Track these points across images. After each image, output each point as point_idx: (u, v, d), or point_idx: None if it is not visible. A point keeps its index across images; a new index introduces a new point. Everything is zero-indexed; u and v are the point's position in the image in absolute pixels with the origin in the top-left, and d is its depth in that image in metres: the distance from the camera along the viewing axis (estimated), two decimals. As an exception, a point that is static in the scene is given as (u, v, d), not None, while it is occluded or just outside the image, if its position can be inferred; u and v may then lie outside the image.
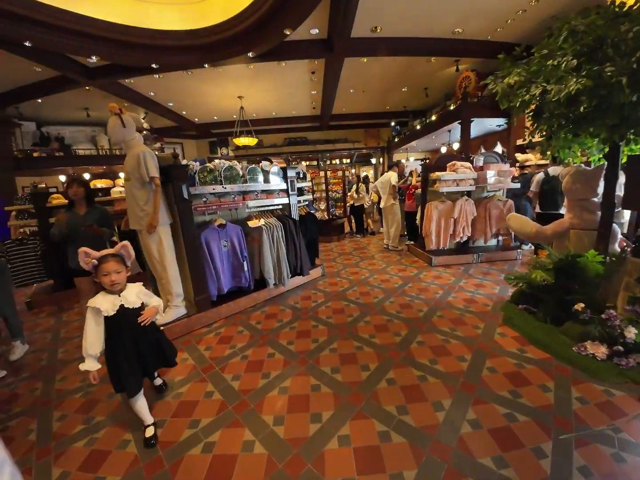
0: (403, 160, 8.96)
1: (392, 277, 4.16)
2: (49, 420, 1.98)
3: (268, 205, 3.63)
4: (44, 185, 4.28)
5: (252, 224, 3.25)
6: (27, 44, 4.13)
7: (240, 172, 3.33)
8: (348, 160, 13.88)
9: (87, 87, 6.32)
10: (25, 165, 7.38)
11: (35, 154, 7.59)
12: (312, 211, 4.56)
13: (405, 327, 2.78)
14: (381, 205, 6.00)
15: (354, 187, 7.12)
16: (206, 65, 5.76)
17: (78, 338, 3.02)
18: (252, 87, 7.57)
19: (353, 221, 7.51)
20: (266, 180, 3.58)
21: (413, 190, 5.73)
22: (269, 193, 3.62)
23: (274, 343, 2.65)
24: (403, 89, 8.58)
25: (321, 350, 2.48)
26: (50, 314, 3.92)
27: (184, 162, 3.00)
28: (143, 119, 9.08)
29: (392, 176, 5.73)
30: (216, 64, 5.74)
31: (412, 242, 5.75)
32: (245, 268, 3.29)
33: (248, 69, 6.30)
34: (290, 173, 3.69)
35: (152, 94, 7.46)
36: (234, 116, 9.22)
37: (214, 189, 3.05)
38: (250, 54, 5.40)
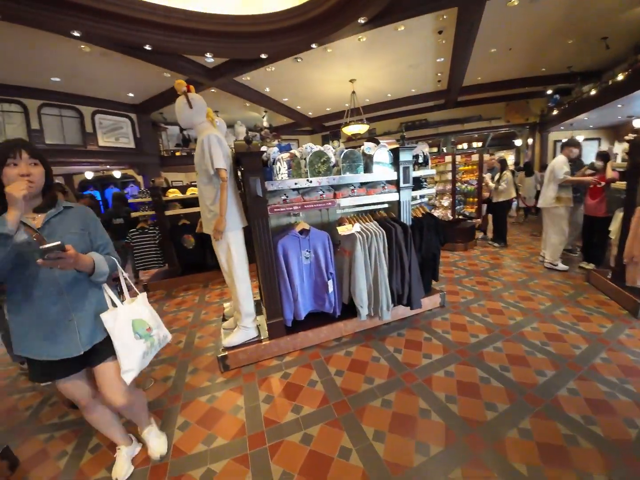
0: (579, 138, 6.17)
1: (564, 331, 2.46)
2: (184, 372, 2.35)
3: (367, 204, 2.60)
4: (162, 181, 4.58)
5: (343, 230, 2.32)
6: (147, 47, 4.42)
7: (332, 159, 2.43)
8: (479, 144, 11.12)
9: (213, 90, 6.79)
10: (169, 162, 8.82)
11: (177, 154, 8.98)
12: (431, 211, 3.22)
13: (551, 365, 2.03)
14: (540, 204, 4.03)
15: (496, 175, 5.19)
16: (314, 46, 5.12)
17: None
18: (364, 66, 6.57)
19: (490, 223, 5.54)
20: (368, 169, 2.56)
21: (604, 184, 3.52)
22: (370, 187, 2.58)
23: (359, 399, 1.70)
24: (569, 42, 5.88)
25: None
26: (159, 298, 4.17)
27: (263, 149, 2.31)
28: (262, 117, 9.55)
29: (556, 162, 3.72)
30: (324, 41, 5.02)
31: (593, 267, 3.60)
32: (331, 289, 2.41)
33: (359, 43, 5.33)
34: (405, 157, 2.52)
35: (267, 89, 7.51)
36: (346, 104, 8.48)
37: (295, 183, 2.26)
38: (361, 20, 4.41)
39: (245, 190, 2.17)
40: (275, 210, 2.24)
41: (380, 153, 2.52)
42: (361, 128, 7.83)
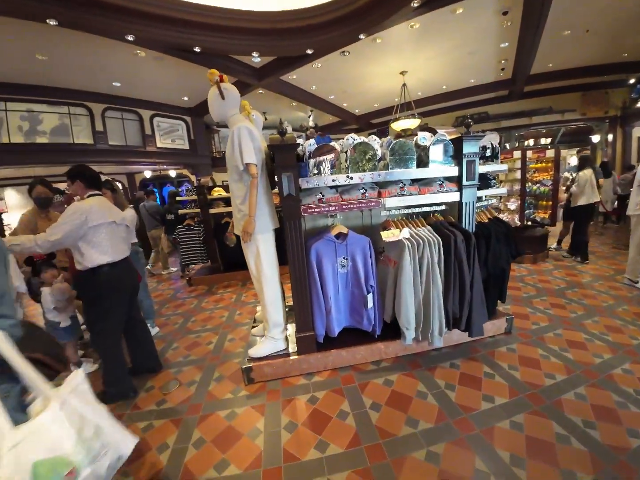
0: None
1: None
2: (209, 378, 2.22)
3: (420, 205, 2.19)
4: (208, 180, 4.65)
5: (388, 235, 1.95)
6: (196, 49, 4.45)
7: (379, 152, 2.08)
8: (547, 140, 9.65)
9: (261, 91, 6.81)
10: (220, 163, 9.12)
11: (227, 155, 9.24)
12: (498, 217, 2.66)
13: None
14: (629, 212, 3.23)
15: (574, 175, 4.31)
16: (362, 36, 4.76)
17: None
18: (416, 56, 6.02)
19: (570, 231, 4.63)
20: (422, 163, 2.15)
21: None
22: (424, 184, 2.17)
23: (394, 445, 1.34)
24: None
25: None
26: (199, 294, 4.20)
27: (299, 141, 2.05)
28: (308, 116, 9.44)
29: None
30: (373, 31, 4.63)
31: None
32: (370, 304, 2.06)
33: (411, 31, 4.83)
34: (469, 148, 2.05)
35: (314, 88, 7.33)
36: (396, 99, 7.94)
37: (333, 180, 1.95)
38: (414, 3, 3.93)
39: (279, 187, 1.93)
40: (309, 210, 1.96)
41: (437, 144, 2.10)
42: (412, 123, 7.22)
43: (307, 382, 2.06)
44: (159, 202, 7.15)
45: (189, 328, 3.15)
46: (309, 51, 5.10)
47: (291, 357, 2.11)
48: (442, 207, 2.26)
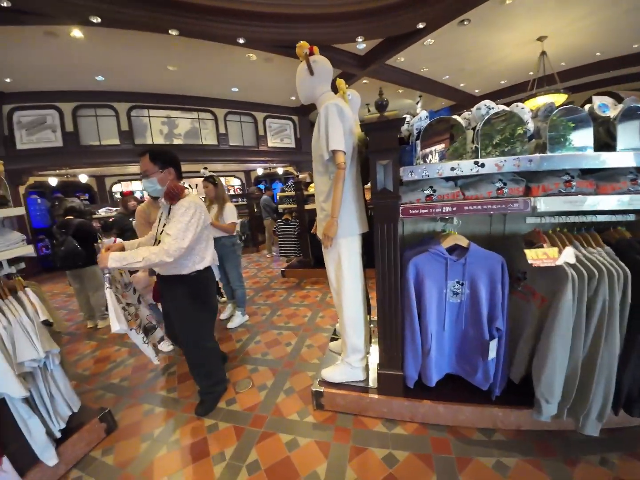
0: None
1: None
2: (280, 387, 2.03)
3: (595, 213, 1.32)
4: (305, 176, 4.58)
5: (538, 256, 1.21)
6: (240, 40, 4.19)
7: (529, 126, 1.33)
8: None
9: (365, 80, 6.35)
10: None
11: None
12: None
13: None
14: None
15: None
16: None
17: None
18: (559, 17, 4.43)
19: None
20: (602, 144, 1.29)
21: None
22: (604, 179, 1.29)
23: None
24: None
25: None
26: (289, 287, 4.19)
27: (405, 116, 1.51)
28: (416, 103, 8.42)
29: None
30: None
31: None
32: (493, 354, 1.37)
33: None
34: None
35: (424, 69, 6.39)
36: (530, 73, 6.14)
37: (452, 169, 1.33)
38: None
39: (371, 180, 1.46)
40: (411, 212, 1.41)
41: (630, 118, 1.18)
42: (556, 99, 5.40)
43: (386, 431, 1.56)
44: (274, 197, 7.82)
45: (273, 322, 3.09)
46: (420, 25, 4.32)
47: (369, 395, 1.64)
48: (632, 218, 1.31)
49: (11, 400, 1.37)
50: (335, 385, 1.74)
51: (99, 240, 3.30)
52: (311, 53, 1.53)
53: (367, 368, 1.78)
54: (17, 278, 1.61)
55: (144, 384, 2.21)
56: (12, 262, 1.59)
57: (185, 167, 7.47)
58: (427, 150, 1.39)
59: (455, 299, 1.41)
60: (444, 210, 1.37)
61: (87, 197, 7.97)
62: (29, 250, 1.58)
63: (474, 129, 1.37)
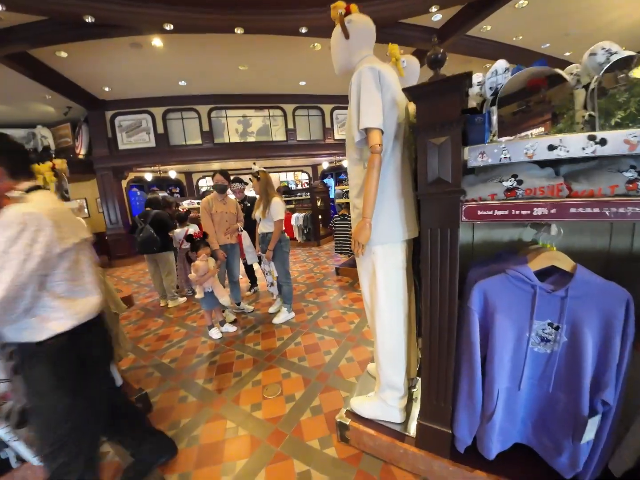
0: None
1: None
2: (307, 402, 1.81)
3: None
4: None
5: None
6: (302, 30, 3.80)
7: None
8: None
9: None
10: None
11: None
12: None
13: None
14: None
15: None
16: None
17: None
18: None
19: None
20: None
21: None
22: None
23: None
24: None
25: None
26: (341, 286, 3.94)
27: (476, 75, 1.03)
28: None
29: None
30: None
31: None
32: (591, 434, 0.83)
33: None
34: None
35: (518, 38, 5.13)
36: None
37: (552, 147, 0.83)
38: None
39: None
40: (481, 213, 0.96)
41: None
42: None
43: (425, 496, 1.17)
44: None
45: (317, 324, 2.88)
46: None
47: (405, 445, 1.26)
48: None
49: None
50: (365, 420, 1.41)
51: (172, 231, 3.69)
52: (347, 12, 1.19)
53: (408, 408, 1.40)
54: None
55: (187, 369, 2.27)
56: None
57: (230, 165, 7.80)
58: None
59: (544, 347, 0.91)
60: (535, 213, 0.87)
61: (177, 191, 9.23)
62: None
63: (586, 87, 0.83)
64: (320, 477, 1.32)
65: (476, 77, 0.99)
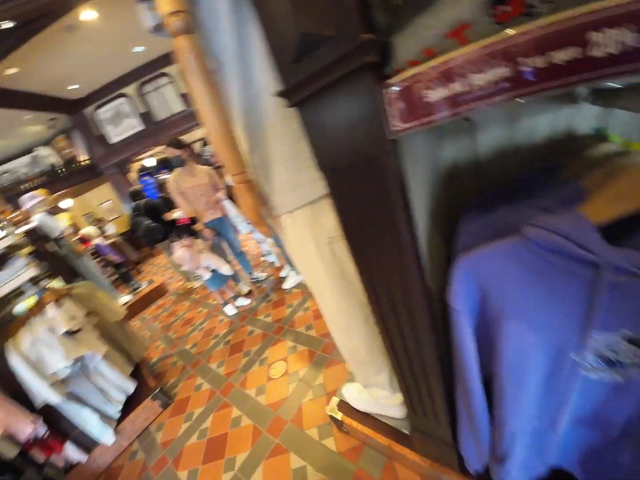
0: None
1: None
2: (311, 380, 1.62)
3: None
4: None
5: None
6: None
7: None
8: None
9: None
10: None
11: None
12: None
13: None
14: None
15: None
16: None
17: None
18: None
19: None
20: None
21: None
22: None
23: None
24: None
25: None
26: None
27: None
28: None
29: None
30: None
31: None
32: None
33: None
34: None
35: None
36: None
37: None
38: None
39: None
40: (435, 104, 0.38)
41: None
42: None
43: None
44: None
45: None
46: None
47: (405, 449, 0.95)
48: None
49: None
50: (360, 414, 1.12)
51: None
52: None
53: (403, 406, 1.05)
54: (43, 295, 1.65)
55: (204, 353, 2.25)
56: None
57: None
58: None
59: (605, 374, 0.40)
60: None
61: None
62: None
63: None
64: (315, 476, 1.14)
65: None
